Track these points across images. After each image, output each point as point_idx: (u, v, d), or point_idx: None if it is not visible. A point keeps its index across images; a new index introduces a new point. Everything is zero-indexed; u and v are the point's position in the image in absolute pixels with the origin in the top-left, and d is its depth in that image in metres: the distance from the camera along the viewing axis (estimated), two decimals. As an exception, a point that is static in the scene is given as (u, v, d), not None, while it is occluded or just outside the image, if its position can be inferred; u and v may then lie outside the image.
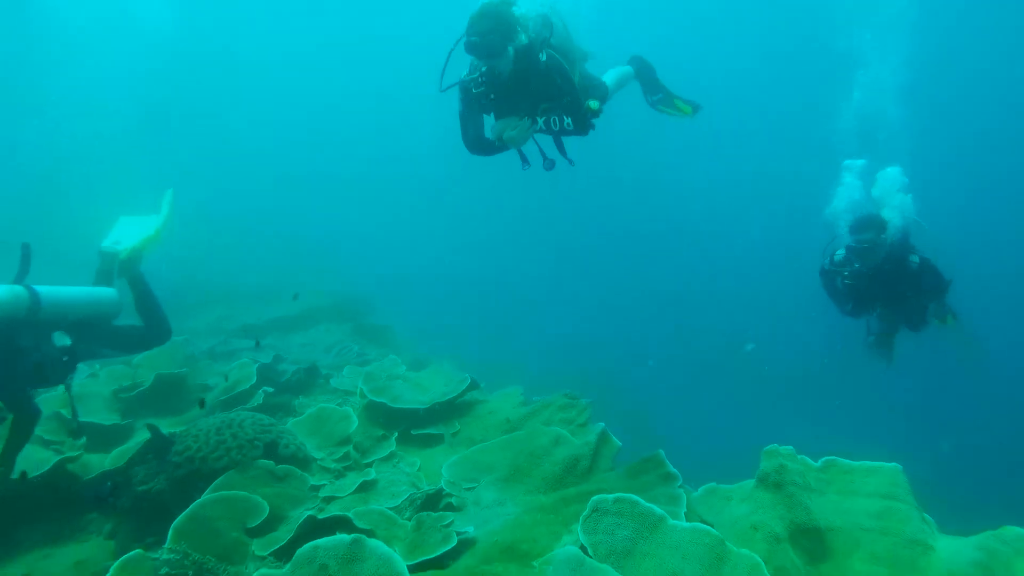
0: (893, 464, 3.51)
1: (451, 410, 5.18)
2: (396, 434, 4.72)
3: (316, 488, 3.94)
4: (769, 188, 17.00)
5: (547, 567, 2.49)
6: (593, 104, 3.93)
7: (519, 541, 3.00)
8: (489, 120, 4.21)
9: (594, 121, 4.07)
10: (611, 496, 2.84)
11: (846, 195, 5.56)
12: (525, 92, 3.85)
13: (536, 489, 3.82)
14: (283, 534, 3.35)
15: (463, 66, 3.99)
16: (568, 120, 4.00)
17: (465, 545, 3.07)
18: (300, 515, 3.46)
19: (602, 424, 4.30)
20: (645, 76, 5.37)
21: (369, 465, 4.36)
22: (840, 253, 5.05)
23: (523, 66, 3.75)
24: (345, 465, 4.33)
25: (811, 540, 3.11)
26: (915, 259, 4.94)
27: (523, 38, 3.71)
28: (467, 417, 5.13)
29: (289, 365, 6.33)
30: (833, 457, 3.62)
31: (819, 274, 5.25)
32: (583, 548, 2.66)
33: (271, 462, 3.90)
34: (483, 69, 3.72)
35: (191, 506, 3.34)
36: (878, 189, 5.69)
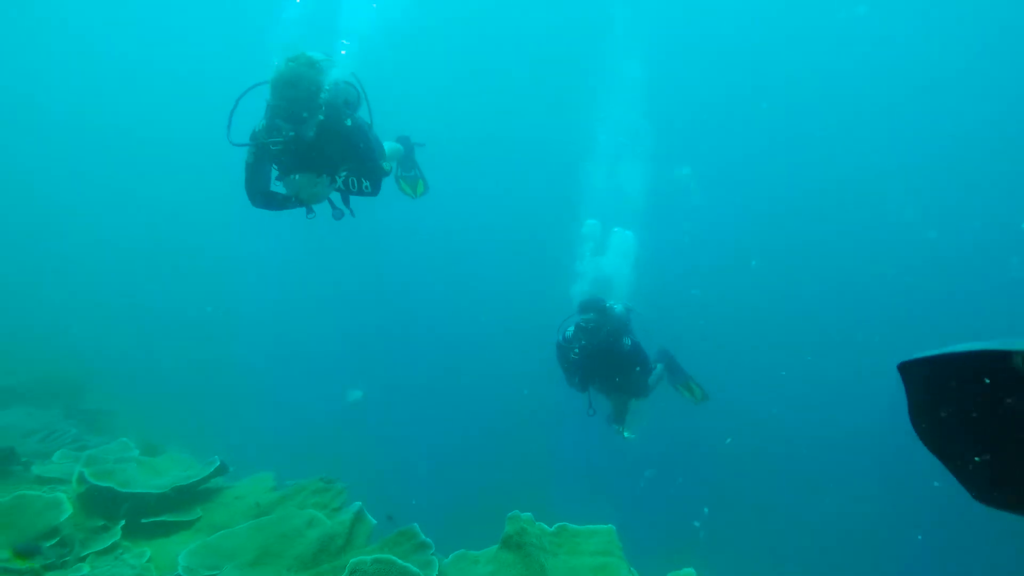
0: (609, 526, 4.17)
1: (193, 496, 4.73)
2: (123, 523, 4.15)
3: (6, 588, 3.29)
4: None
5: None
6: (386, 166, 4.25)
7: (269, 617, 2.89)
8: (275, 172, 4.16)
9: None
10: (369, 558, 2.94)
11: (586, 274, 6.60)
12: (325, 154, 3.95)
13: (288, 569, 3.69)
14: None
15: (250, 112, 3.86)
16: (367, 183, 4.19)
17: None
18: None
19: (359, 503, 4.35)
20: (407, 154, 6.00)
21: (82, 560, 3.76)
22: (570, 330, 5.71)
23: (327, 130, 3.83)
24: (46, 563, 3.68)
25: (544, 594, 3.52)
26: (628, 341, 5.75)
27: (329, 105, 3.79)
28: (211, 503, 4.72)
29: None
30: (564, 523, 4.17)
31: (555, 347, 5.86)
32: (339, 612, 2.70)
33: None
34: (290, 133, 3.69)
35: None
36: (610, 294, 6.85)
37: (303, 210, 4.26)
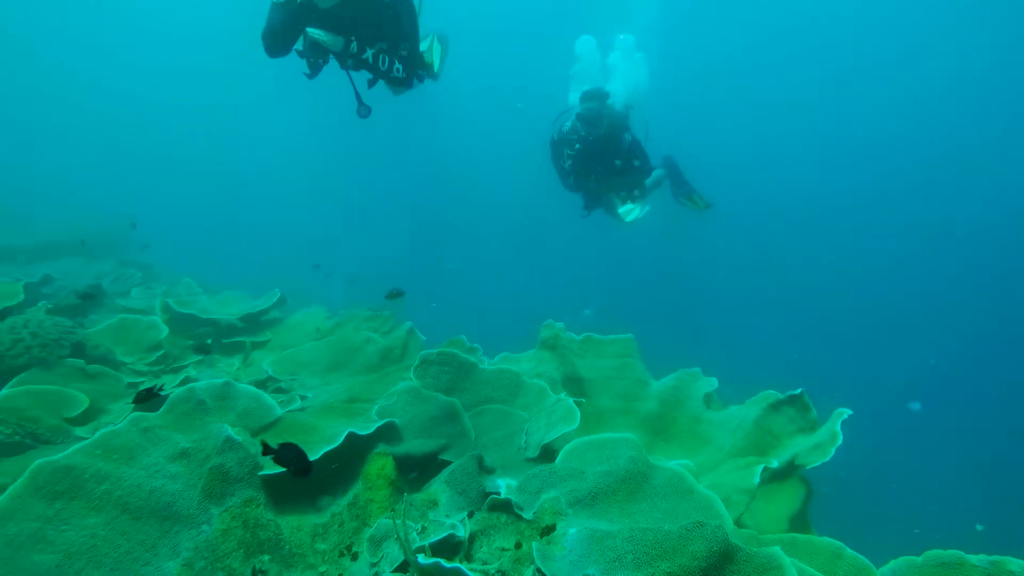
0: (628, 335, 4.78)
1: (259, 324, 5.39)
2: (210, 341, 4.83)
3: (134, 385, 3.98)
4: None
5: (392, 396, 3.12)
6: (426, 58, 3.99)
7: (356, 397, 3.57)
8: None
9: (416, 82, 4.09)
10: (435, 351, 3.55)
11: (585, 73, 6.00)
12: (362, 21, 3.76)
13: (357, 372, 4.37)
14: (116, 418, 3.44)
15: None
16: (399, 65, 3.94)
17: (307, 406, 3.53)
18: (124, 409, 3.55)
19: (409, 323, 4.98)
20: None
21: (185, 367, 4.46)
22: (568, 124, 5.44)
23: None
24: (160, 369, 4.38)
25: (575, 385, 4.20)
26: (628, 136, 5.48)
27: None
28: (276, 328, 5.39)
29: (59, 289, 5.80)
30: (590, 332, 4.80)
31: (549, 145, 5.60)
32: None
33: (81, 360, 3.84)
34: None
35: (-1, 394, 3.23)
36: (613, 57, 6.23)
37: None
